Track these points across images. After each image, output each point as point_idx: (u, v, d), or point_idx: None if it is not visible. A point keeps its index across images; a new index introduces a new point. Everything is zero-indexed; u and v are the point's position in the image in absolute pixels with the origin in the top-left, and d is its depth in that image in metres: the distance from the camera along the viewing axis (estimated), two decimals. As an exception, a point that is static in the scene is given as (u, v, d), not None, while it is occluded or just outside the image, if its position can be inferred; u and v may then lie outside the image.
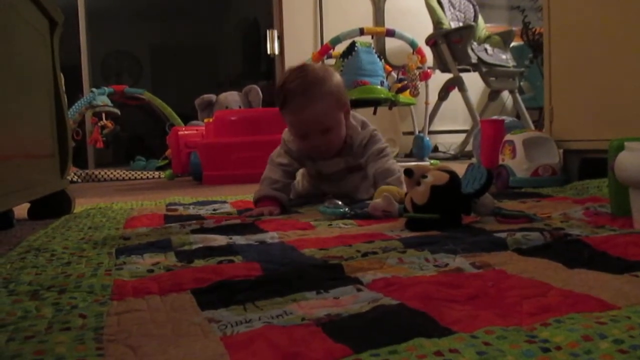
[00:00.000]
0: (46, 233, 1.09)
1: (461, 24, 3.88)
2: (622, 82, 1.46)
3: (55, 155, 1.50)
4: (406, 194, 1.03)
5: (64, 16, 1.57)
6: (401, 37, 3.79)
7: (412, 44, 3.77)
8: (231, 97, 3.75)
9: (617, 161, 0.93)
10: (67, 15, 1.68)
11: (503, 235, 0.81)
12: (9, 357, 0.43)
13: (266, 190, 1.33)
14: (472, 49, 3.64)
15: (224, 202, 1.57)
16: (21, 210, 1.44)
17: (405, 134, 4.30)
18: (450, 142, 4.39)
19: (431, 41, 3.81)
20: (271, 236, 0.95)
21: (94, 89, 4.03)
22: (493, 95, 3.94)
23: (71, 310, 0.55)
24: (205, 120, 3.14)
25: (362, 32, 3.59)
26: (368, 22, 4.43)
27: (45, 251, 0.87)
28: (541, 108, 3.63)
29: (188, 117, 4.08)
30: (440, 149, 4.39)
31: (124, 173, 3.40)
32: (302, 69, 1.29)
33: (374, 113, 3.65)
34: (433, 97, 3.94)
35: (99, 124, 4.03)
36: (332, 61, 3.84)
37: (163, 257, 0.81)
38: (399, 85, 3.62)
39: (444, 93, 3.92)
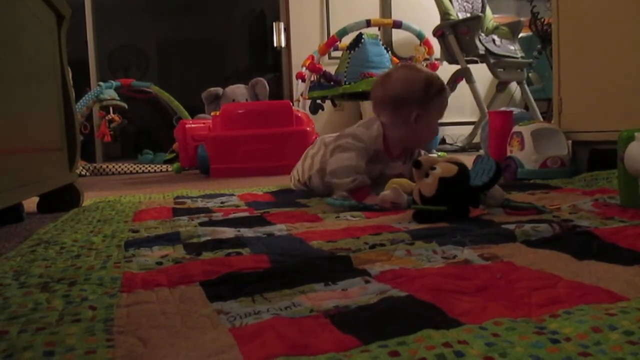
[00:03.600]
0: (56, 226, 1.10)
1: (469, 15, 3.85)
2: (632, 73, 1.45)
3: (64, 149, 1.51)
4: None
5: (71, 10, 1.57)
6: (408, 29, 3.76)
7: (420, 36, 3.75)
8: (238, 90, 3.75)
9: (627, 152, 0.92)
10: (74, 9, 1.68)
11: (511, 227, 0.81)
12: (20, 348, 0.43)
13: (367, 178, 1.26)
14: (480, 40, 3.61)
15: (232, 194, 1.58)
16: (31, 203, 1.45)
17: (412, 126, 4.28)
18: (457, 134, 4.37)
19: (438, 32, 3.79)
20: (279, 228, 0.95)
21: (101, 83, 4.03)
22: (501, 86, 3.91)
23: (81, 302, 0.56)
24: (212, 114, 3.15)
25: (369, 23, 3.57)
26: (375, 14, 4.41)
27: (55, 244, 0.88)
28: (550, 99, 3.60)
29: (195, 110, 4.09)
30: (447, 140, 4.37)
31: (131, 166, 3.41)
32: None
33: (381, 105, 3.64)
34: (440, 89, 3.91)
35: (107, 118, 4.04)
36: (338, 53, 3.83)
37: (172, 250, 0.81)
38: (406, 77, 3.60)
39: (451, 84, 3.89)
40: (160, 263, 0.72)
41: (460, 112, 4.44)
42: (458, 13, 3.85)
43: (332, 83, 3.42)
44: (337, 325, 0.46)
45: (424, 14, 4.16)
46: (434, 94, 1.34)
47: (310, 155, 1.53)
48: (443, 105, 1.38)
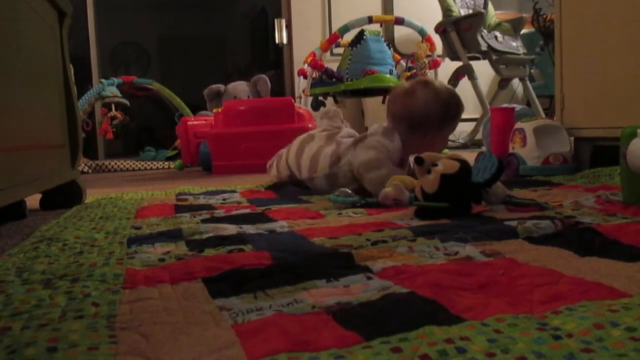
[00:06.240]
0: (58, 223, 1.10)
1: (471, 11, 3.84)
2: (635, 69, 1.44)
3: (66, 146, 1.51)
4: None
5: (73, 7, 1.57)
6: (410, 25, 3.76)
7: (421, 32, 3.75)
8: (240, 87, 3.75)
9: (629, 149, 0.92)
10: (76, 7, 1.68)
11: (513, 223, 0.81)
12: (23, 344, 0.43)
13: None
14: (482, 37, 3.61)
15: (234, 191, 1.58)
16: (33, 200, 1.45)
17: (414, 122, 4.28)
18: (459, 131, 4.35)
19: (440, 29, 3.78)
20: (281, 225, 0.95)
21: (103, 80, 4.04)
22: (503, 83, 3.91)
23: (84, 298, 0.56)
24: (214, 111, 3.15)
25: (370, 20, 3.57)
26: (377, 10, 4.41)
27: (58, 241, 0.88)
28: (552, 96, 3.60)
29: (197, 107, 4.09)
30: (449, 137, 4.36)
31: (133, 163, 3.41)
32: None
33: (383, 102, 3.63)
34: (442, 86, 3.90)
35: (109, 115, 4.04)
36: (340, 50, 3.83)
37: (174, 246, 0.81)
38: (408, 73, 3.60)
39: (453, 81, 3.89)
40: (162, 260, 0.72)
41: (462, 108, 4.43)
42: (460, 9, 3.84)
43: (333, 80, 3.42)
44: (339, 322, 0.46)
45: (426, 10, 4.16)
46: (449, 119, 1.42)
47: (311, 155, 1.48)
48: (454, 127, 1.47)
